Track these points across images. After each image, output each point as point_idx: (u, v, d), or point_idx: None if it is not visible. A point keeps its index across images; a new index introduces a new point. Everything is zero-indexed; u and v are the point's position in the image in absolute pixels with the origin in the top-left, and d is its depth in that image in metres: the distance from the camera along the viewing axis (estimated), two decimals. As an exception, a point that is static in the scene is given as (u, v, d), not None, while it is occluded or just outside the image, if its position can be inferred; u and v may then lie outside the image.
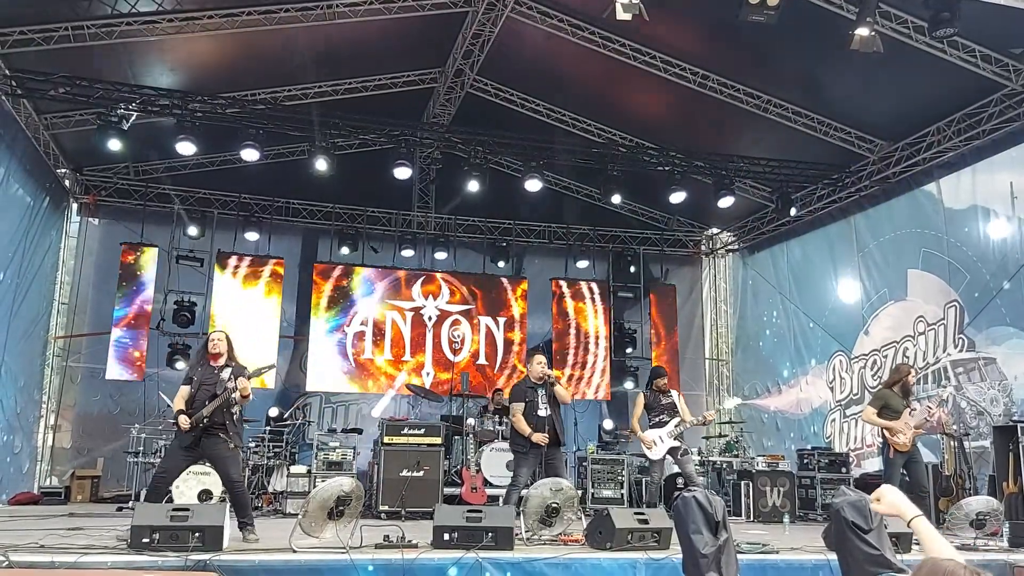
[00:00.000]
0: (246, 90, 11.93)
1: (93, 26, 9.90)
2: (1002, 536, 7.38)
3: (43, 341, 12.63)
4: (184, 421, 6.47)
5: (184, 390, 6.70)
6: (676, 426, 8.67)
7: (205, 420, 6.47)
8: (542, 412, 7.68)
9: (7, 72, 10.16)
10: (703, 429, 14.04)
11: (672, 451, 8.65)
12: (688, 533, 4.63)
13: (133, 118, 10.55)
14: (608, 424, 13.69)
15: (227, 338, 6.92)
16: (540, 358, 7.92)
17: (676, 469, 9.36)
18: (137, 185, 13.64)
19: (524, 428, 7.66)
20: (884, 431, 7.91)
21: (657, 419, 8.80)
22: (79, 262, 13.43)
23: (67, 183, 13.18)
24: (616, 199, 12.49)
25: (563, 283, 15.31)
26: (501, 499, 8.50)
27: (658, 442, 8.67)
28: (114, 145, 10.50)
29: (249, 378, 6.72)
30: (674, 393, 9.04)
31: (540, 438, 7.54)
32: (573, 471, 12.18)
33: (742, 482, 10.94)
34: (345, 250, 14.27)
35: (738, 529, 7.54)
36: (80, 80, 10.39)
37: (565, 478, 7.29)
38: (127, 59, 10.68)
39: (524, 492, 6.96)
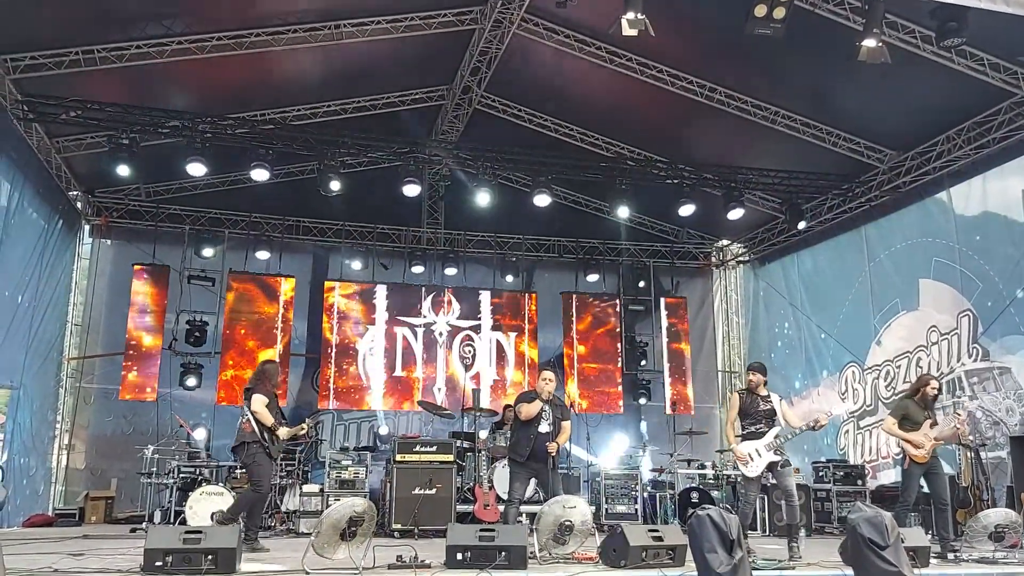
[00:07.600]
0: (255, 110, 12.00)
1: (103, 50, 10.01)
2: (1022, 548, 7.29)
3: (57, 362, 12.70)
4: (287, 432, 7.75)
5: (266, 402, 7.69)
6: (776, 437, 7.28)
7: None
8: (542, 428, 7.55)
9: (19, 97, 10.26)
10: (716, 442, 14.04)
11: (771, 465, 7.28)
12: (703, 552, 4.61)
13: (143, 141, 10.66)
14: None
15: None
16: (547, 375, 7.77)
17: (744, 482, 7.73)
18: (148, 206, 13.74)
19: (531, 412, 7.56)
20: (902, 442, 7.82)
21: (753, 429, 7.36)
22: (91, 283, 13.54)
23: (79, 205, 13.29)
24: (624, 212, 12.51)
25: (573, 297, 15.31)
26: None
27: (754, 456, 7.26)
28: (124, 168, 10.60)
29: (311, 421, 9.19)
30: (775, 397, 7.48)
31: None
32: (587, 486, 12.14)
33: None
34: (356, 267, 14.32)
35: (754, 544, 7.47)
36: (91, 104, 10.49)
37: (560, 493, 7.25)
38: (137, 82, 10.76)
39: (537, 509, 6.92)
